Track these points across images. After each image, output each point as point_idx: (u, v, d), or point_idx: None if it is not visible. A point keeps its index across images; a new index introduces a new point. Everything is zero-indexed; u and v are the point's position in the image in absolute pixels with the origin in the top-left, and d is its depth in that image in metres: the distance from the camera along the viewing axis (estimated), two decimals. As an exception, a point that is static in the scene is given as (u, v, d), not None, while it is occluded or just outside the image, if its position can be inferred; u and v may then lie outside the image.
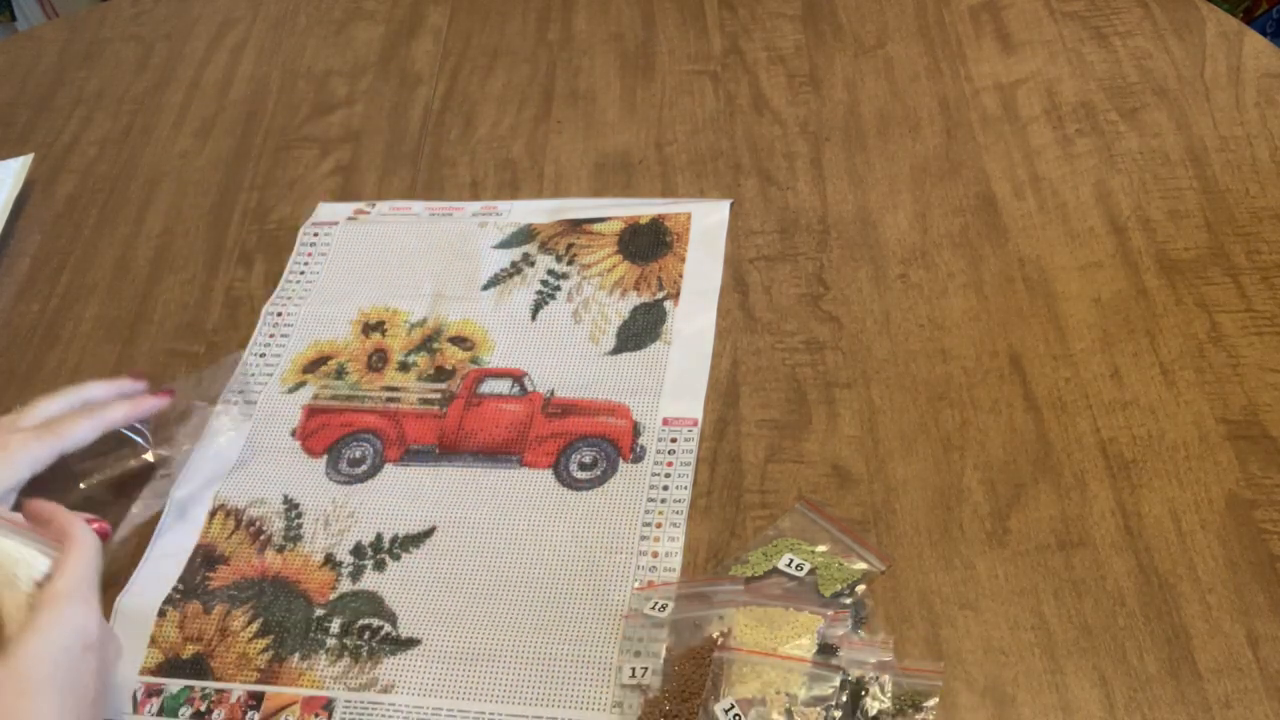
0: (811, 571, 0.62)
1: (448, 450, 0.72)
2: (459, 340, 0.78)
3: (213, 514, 0.72)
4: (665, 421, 0.71)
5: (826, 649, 0.58)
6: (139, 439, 0.72)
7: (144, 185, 0.96)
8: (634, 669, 0.60)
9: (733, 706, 0.55)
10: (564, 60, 0.99)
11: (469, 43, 1.03)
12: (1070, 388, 0.68)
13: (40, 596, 0.54)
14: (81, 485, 0.70)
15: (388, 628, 0.64)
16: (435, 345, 0.78)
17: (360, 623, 0.65)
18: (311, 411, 0.76)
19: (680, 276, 0.79)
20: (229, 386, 0.78)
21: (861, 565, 0.62)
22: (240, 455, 0.74)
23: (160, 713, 0.63)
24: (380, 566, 0.67)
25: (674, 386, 0.73)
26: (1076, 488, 0.64)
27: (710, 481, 0.68)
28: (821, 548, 0.63)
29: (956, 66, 0.90)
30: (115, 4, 1.16)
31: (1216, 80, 0.84)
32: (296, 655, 0.64)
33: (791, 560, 0.62)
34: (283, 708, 0.62)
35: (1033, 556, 0.62)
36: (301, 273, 0.85)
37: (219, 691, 0.63)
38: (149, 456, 0.72)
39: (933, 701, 0.56)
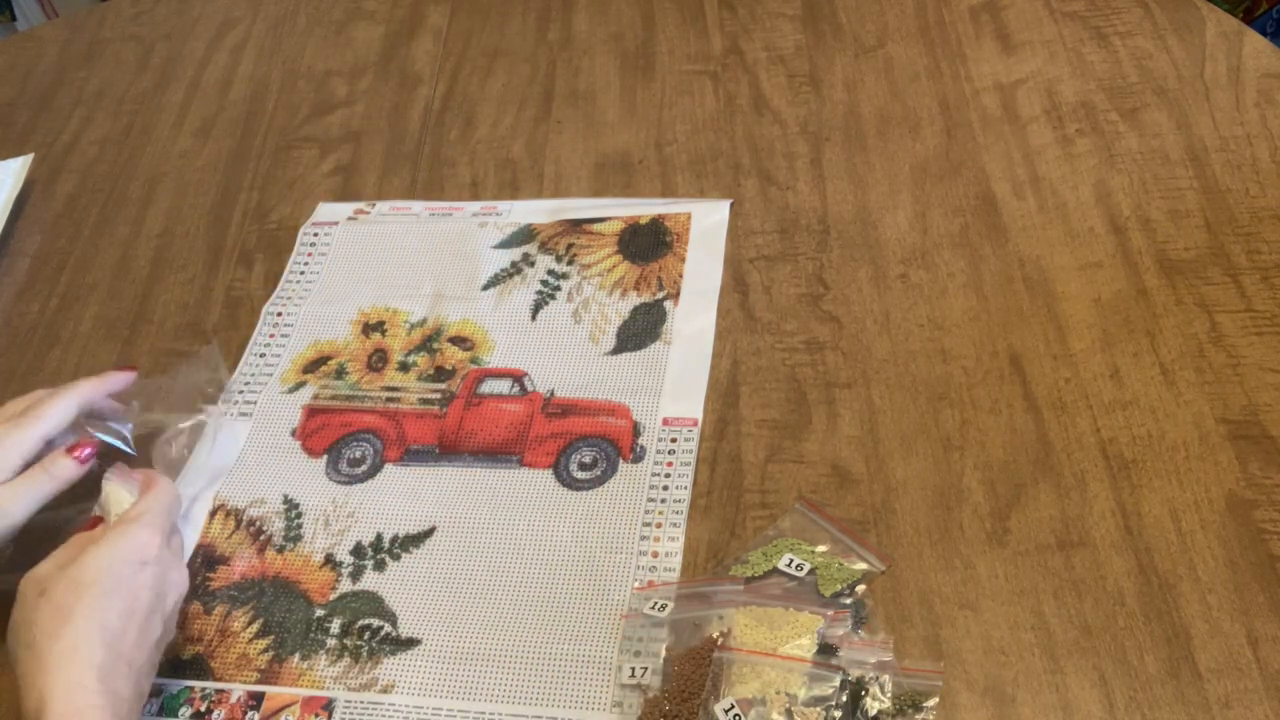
0: (811, 571, 0.62)
1: (448, 450, 0.72)
2: (459, 340, 0.78)
3: (213, 514, 0.72)
4: (665, 421, 0.71)
5: (826, 649, 0.58)
6: (123, 445, 0.71)
7: (144, 185, 0.96)
8: (633, 669, 0.60)
9: (733, 706, 0.55)
10: (564, 60, 0.99)
11: (469, 43, 1.03)
12: (1070, 388, 0.68)
13: (115, 522, 0.61)
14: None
15: (388, 628, 0.64)
16: (435, 345, 0.78)
17: (360, 623, 0.65)
18: (311, 411, 0.76)
19: (680, 276, 0.79)
20: (229, 386, 0.78)
21: (861, 565, 0.62)
22: (240, 455, 0.74)
23: (160, 712, 0.63)
24: (380, 566, 0.67)
25: (674, 386, 0.73)
26: (1076, 488, 0.64)
27: (710, 481, 0.68)
28: (821, 548, 0.63)
29: (956, 66, 0.90)
30: (115, 4, 1.16)
31: (1216, 80, 0.84)
32: (297, 655, 0.64)
33: (791, 560, 0.62)
34: (283, 708, 0.62)
35: (1033, 556, 0.62)
36: (301, 273, 0.85)
37: (219, 692, 0.63)
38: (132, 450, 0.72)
39: (933, 701, 0.56)
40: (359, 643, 0.64)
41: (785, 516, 0.65)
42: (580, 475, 0.69)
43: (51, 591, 0.56)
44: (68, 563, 0.58)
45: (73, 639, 0.54)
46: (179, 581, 0.62)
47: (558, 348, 0.77)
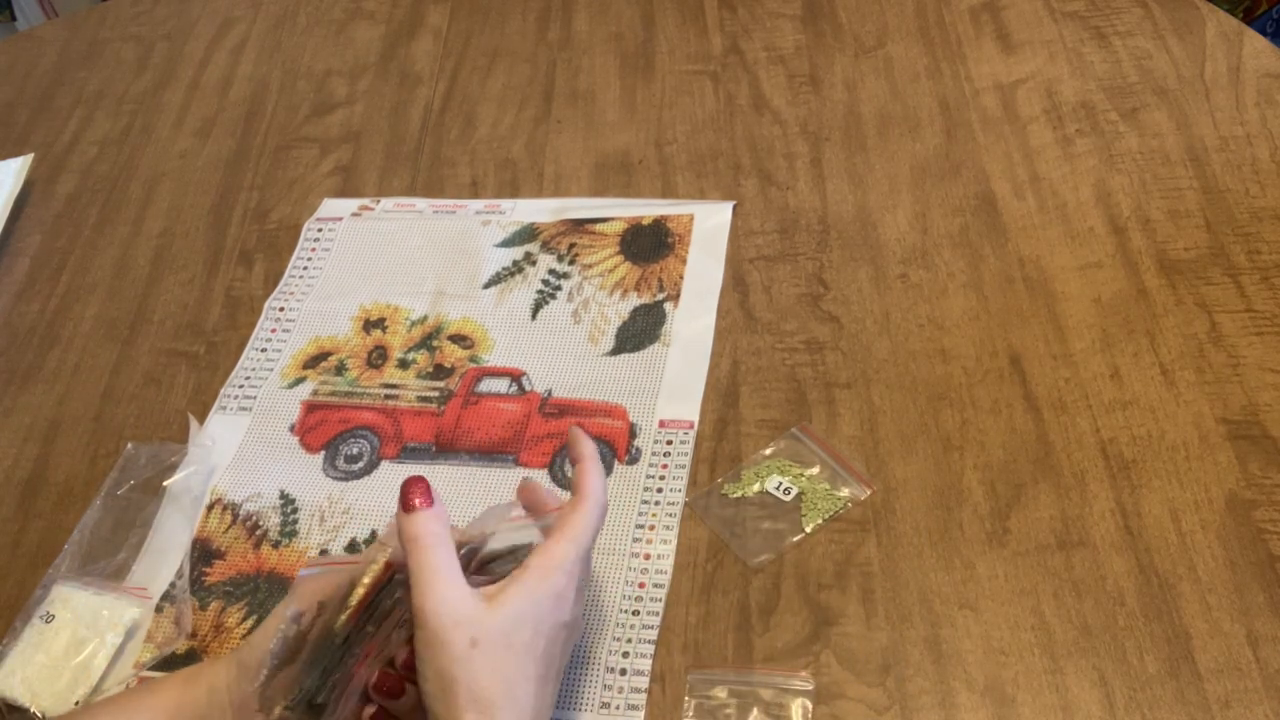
0: (798, 496, 0.64)
1: (444, 448, 0.72)
2: (459, 338, 0.78)
3: (210, 508, 0.71)
4: (661, 424, 0.71)
5: None
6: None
7: (144, 185, 0.96)
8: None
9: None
10: (564, 60, 0.99)
11: (469, 43, 1.03)
12: (1070, 388, 0.68)
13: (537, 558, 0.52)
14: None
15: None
16: (435, 343, 0.78)
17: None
18: (310, 407, 0.76)
19: (681, 278, 0.79)
20: (229, 383, 0.78)
21: (846, 491, 0.65)
22: (238, 449, 0.74)
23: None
24: (377, 565, 0.67)
25: (671, 389, 0.73)
26: (1076, 488, 0.64)
27: (710, 481, 0.68)
28: (812, 470, 0.65)
29: (956, 66, 0.90)
30: (115, 4, 1.16)
31: (1216, 80, 0.84)
32: (293, 653, 0.64)
33: (780, 483, 0.64)
34: (278, 705, 0.62)
35: (1033, 556, 0.61)
36: (305, 268, 0.85)
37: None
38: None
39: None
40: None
41: (780, 438, 0.66)
42: (577, 475, 0.69)
43: (486, 644, 0.49)
44: (494, 604, 0.50)
45: (516, 715, 0.48)
46: (578, 638, 0.55)
47: (557, 348, 0.77)
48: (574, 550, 0.53)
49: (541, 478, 0.69)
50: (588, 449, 0.57)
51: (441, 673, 0.48)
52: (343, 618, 0.52)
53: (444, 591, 0.49)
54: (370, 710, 0.53)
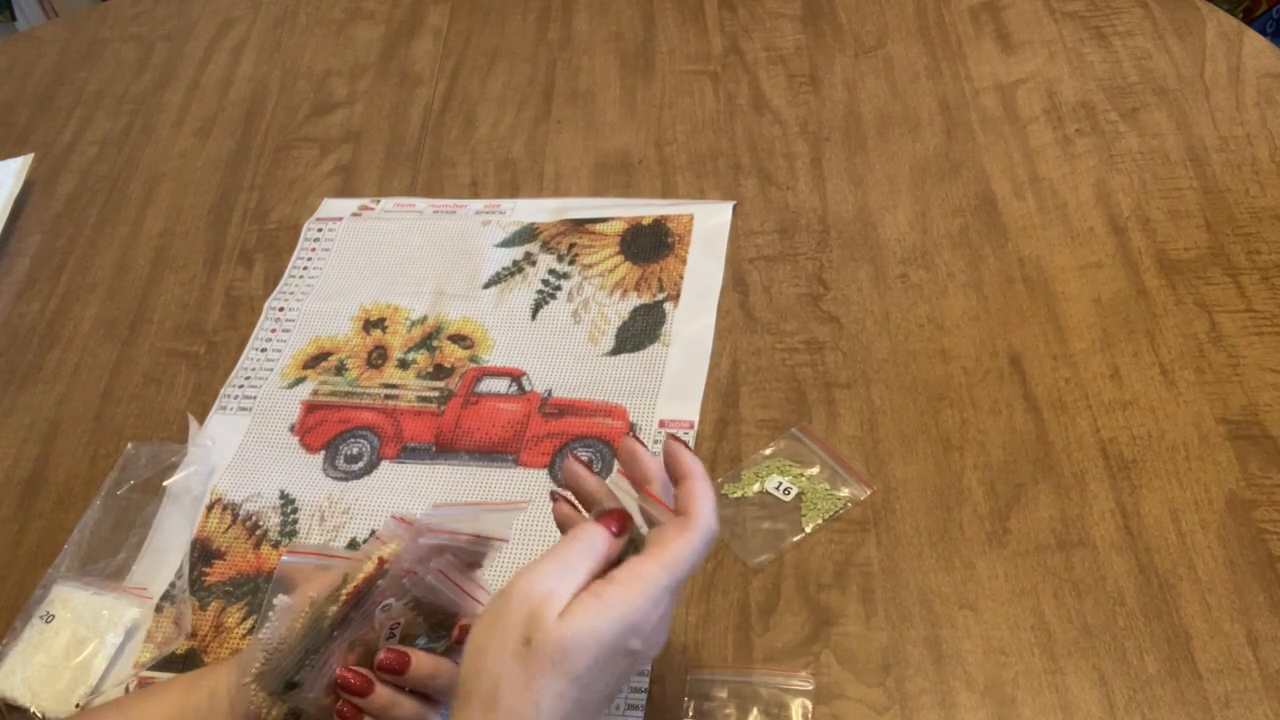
0: (798, 496, 0.64)
1: (444, 448, 0.72)
2: (459, 338, 0.78)
3: (210, 508, 0.71)
4: (661, 424, 0.71)
5: None
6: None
7: (144, 185, 0.96)
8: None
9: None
10: (564, 60, 0.99)
11: (469, 43, 1.03)
12: (1070, 388, 0.68)
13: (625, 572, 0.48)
14: None
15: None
16: (435, 343, 0.78)
17: (357, 621, 0.65)
18: (310, 407, 0.76)
19: (681, 278, 0.79)
20: (229, 383, 0.78)
21: (846, 491, 0.65)
22: (239, 449, 0.74)
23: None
24: (377, 565, 0.67)
25: (671, 389, 0.73)
26: (1076, 488, 0.64)
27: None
28: (812, 470, 0.65)
29: (956, 66, 0.90)
30: (115, 4, 1.16)
31: (1216, 80, 0.84)
32: (293, 653, 0.64)
33: (780, 483, 0.65)
34: (279, 706, 0.62)
35: (1033, 556, 0.61)
36: (305, 268, 0.85)
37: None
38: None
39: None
40: (355, 641, 0.64)
41: (780, 438, 0.66)
42: (578, 474, 0.69)
43: (535, 652, 0.45)
44: (566, 617, 0.46)
45: None
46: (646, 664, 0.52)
47: (557, 348, 0.77)
48: (666, 577, 0.48)
49: (541, 478, 0.69)
50: (693, 464, 0.51)
51: (482, 653, 0.46)
52: (332, 610, 0.52)
53: (545, 579, 0.47)
54: (341, 702, 0.53)
